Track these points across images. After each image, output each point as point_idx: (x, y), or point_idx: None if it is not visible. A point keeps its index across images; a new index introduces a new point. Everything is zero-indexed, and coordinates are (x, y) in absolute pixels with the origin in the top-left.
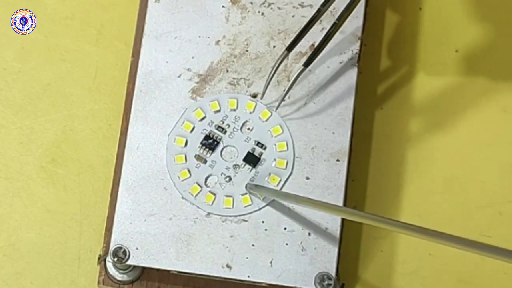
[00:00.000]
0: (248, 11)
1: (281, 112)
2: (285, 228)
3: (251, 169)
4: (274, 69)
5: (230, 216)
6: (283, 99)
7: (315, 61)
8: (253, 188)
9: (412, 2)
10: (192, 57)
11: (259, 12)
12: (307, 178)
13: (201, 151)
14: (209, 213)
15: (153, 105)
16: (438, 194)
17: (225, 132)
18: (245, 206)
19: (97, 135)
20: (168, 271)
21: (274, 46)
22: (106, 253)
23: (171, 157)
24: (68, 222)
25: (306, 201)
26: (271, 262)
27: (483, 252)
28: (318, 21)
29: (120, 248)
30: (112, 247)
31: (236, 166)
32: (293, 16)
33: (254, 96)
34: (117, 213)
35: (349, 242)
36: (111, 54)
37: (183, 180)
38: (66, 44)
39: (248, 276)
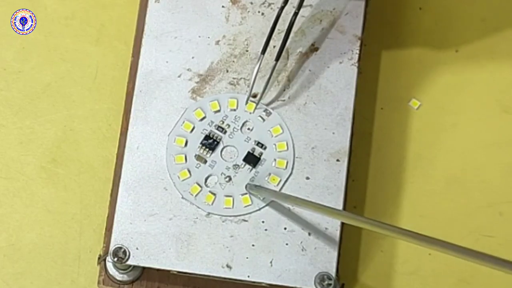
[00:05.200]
0: (248, 11)
1: (281, 112)
2: (285, 228)
3: (251, 169)
4: (255, 73)
5: (230, 216)
6: (262, 95)
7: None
8: (253, 188)
9: (412, 2)
10: (192, 57)
11: (259, 12)
12: (307, 178)
13: (201, 151)
14: (209, 213)
15: (153, 105)
16: (439, 194)
17: (225, 132)
18: (245, 206)
19: (97, 135)
20: (168, 271)
21: (274, 46)
22: (106, 253)
23: (171, 157)
24: (68, 222)
25: (306, 203)
26: (271, 262)
27: (480, 260)
28: (318, 21)
29: (120, 248)
30: (112, 247)
31: (236, 166)
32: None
33: (254, 96)
34: (117, 213)
35: (349, 242)
36: (111, 54)
37: (183, 180)
38: (66, 44)
39: (248, 276)
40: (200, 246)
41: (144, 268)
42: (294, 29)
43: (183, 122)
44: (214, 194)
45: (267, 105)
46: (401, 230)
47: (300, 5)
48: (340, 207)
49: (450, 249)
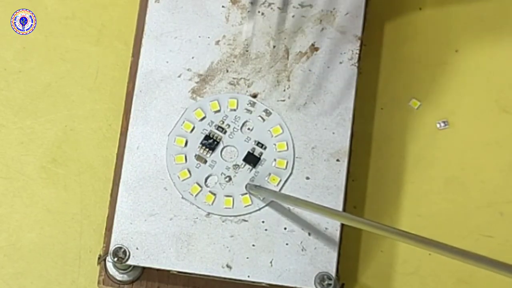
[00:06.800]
0: (248, 11)
1: (281, 112)
2: (285, 228)
3: (251, 169)
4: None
5: (230, 216)
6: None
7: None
8: (253, 188)
9: (412, 2)
10: (192, 57)
11: (259, 12)
12: (307, 178)
13: (201, 151)
14: (209, 213)
15: (153, 105)
16: (438, 194)
17: (225, 132)
18: (245, 206)
19: (97, 135)
20: (168, 271)
21: (274, 46)
22: (106, 253)
23: (171, 157)
24: (68, 222)
25: (306, 204)
26: (271, 262)
27: (479, 263)
28: (318, 21)
29: (120, 248)
30: (112, 247)
31: (236, 166)
32: (293, 16)
33: (254, 96)
34: (117, 213)
35: (349, 242)
36: (111, 54)
37: (183, 180)
38: (66, 44)
39: (248, 276)
40: (200, 246)
41: (144, 268)
42: (294, 29)
43: (183, 122)
44: (214, 194)
45: (267, 105)
46: (401, 231)
47: None
48: (340, 207)
49: (449, 252)
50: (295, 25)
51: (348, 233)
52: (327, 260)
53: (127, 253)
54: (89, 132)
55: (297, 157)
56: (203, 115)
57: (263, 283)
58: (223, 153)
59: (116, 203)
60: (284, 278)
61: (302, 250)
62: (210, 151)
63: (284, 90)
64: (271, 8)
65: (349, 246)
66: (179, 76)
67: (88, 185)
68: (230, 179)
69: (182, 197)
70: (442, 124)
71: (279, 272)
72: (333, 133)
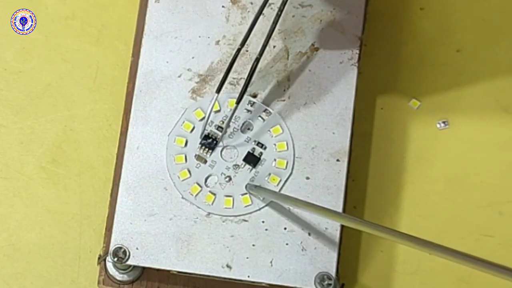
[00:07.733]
0: (248, 11)
1: (281, 112)
2: (285, 228)
3: (251, 169)
4: (207, 117)
5: (230, 216)
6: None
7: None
8: (253, 188)
9: (413, 2)
10: (192, 57)
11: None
12: (307, 178)
13: (201, 151)
14: (209, 213)
15: (153, 105)
16: (439, 194)
17: (225, 132)
18: (245, 206)
19: (97, 135)
20: (168, 271)
21: (274, 46)
22: (106, 253)
23: (171, 157)
24: (68, 222)
25: (306, 205)
26: (271, 262)
27: (478, 266)
28: (318, 21)
29: (120, 248)
30: (112, 247)
31: (236, 166)
32: (293, 16)
33: (254, 96)
34: (117, 213)
35: (349, 242)
36: (111, 54)
37: (183, 180)
38: (66, 44)
39: (248, 276)
40: (200, 246)
41: (144, 268)
42: (294, 29)
43: (183, 122)
44: (214, 194)
45: (267, 105)
46: (401, 234)
47: (262, 51)
48: (340, 207)
49: (448, 254)
50: (295, 25)
51: (348, 233)
52: (327, 260)
53: (127, 253)
54: (89, 132)
55: (297, 157)
56: (203, 115)
57: (263, 283)
58: (223, 153)
59: (116, 203)
60: (284, 278)
61: (302, 250)
62: (210, 151)
63: (284, 90)
64: (271, 8)
65: (349, 246)
66: (179, 76)
67: (88, 185)
68: (230, 179)
69: (182, 197)
70: (442, 124)
71: (279, 272)
72: (333, 133)
